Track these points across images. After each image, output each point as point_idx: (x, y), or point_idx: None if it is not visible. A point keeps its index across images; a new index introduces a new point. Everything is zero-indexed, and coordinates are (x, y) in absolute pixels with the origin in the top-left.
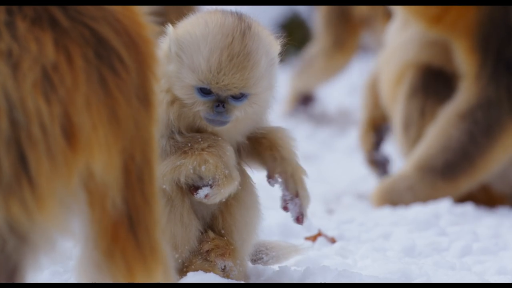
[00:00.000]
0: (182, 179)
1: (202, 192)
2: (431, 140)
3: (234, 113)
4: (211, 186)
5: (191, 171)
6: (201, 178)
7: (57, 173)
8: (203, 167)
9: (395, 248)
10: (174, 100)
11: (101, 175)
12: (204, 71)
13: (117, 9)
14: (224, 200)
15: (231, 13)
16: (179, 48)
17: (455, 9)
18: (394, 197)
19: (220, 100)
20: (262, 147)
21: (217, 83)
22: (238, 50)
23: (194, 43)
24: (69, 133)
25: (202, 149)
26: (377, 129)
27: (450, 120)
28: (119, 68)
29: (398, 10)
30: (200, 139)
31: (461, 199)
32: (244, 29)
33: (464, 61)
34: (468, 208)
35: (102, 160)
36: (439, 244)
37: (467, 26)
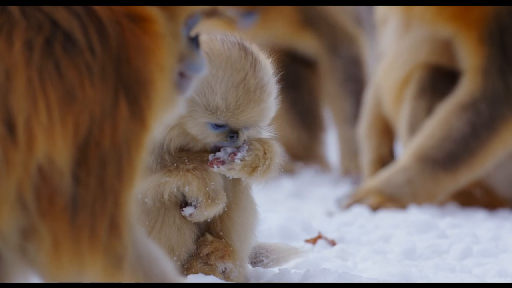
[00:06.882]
0: (166, 196)
1: (187, 211)
2: (431, 131)
3: (243, 137)
4: (195, 207)
5: (175, 189)
6: (185, 196)
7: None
8: (186, 188)
9: (395, 250)
10: (174, 126)
11: (49, 159)
12: (222, 109)
13: None
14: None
15: (230, 41)
16: None
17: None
18: (392, 192)
19: (233, 131)
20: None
21: (236, 120)
22: (253, 85)
23: (205, 82)
24: (10, 123)
25: (187, 170)
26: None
27: (452, 111)
28: (76, 50)
29: (398, 12)
30: (186, 160)
31: (461, 202)
32: (253, 62)
33: (470, 54)
34: (468, 211)
35: (47, 144)
36: (439, 247)
37: (477, 17)
